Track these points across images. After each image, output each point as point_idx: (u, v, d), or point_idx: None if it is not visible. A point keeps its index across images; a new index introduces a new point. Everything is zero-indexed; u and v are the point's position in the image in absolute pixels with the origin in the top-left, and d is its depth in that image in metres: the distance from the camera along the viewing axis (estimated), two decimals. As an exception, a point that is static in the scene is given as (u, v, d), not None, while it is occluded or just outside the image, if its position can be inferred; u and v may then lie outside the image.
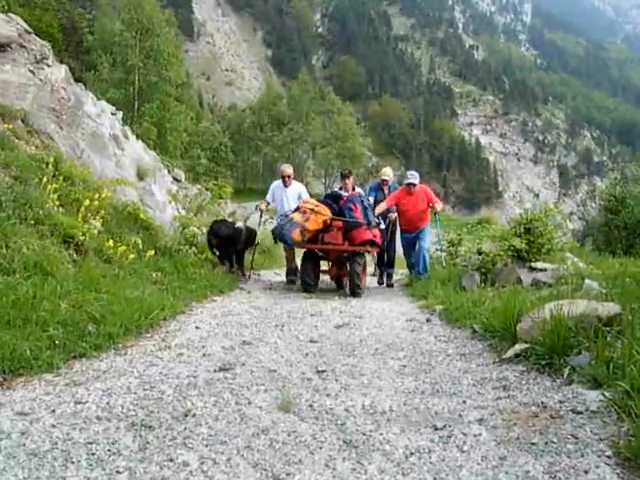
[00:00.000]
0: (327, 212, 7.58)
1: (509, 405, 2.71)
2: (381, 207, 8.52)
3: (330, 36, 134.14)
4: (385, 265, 9.62)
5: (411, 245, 8.98)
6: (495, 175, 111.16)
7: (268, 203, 9.08)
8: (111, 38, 31.87)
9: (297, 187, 9.12)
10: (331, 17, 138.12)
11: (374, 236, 7.65)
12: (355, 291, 7.37)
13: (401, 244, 9.28)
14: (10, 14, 9.01)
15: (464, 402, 2.83)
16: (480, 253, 7.35)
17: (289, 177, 8.99)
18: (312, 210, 7.48)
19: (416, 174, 8.86)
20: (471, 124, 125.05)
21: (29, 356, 3.25)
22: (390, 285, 9.29)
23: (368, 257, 9.38)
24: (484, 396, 2.92)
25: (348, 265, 7.71)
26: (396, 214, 8.99)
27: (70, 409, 2.65)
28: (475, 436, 2.37)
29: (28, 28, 8.73)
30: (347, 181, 8.87)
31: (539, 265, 6.57)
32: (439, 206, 8.80)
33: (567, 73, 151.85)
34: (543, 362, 3.19)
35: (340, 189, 8.93)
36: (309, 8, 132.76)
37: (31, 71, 8.28)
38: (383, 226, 8.79)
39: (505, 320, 3.95)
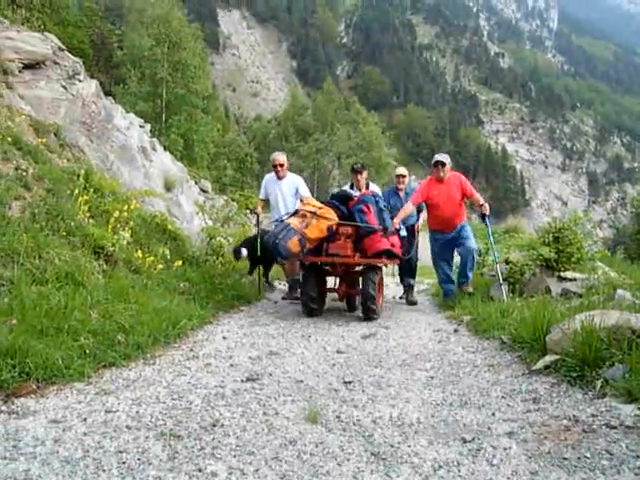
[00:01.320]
0: (333, 216, 6.21)
1: (539, 418, 2.66)
2: (406, 210, 6.91)
3: (354, 46, 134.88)
4: (405, 275, 8.24)
5: (448, 249, 7.21)
6: (522, 183, 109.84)
7: (263, 202, 7.87)
8: (140, 53, 32.54)
9: (293, 179, 7.65)
10: (355, 27, 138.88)
11: (392, 245, 6.24)
12: (369, 315, 6.00)
13: (432, 251, 7.40)
14: (46, 33, 9.31)
15: (493, 414, 2.79)
16: (508, 263, 7.26)
17: (282, 166, 7.49)
18: (314, 214, 6.10)
19: (446, 155, 7.14)
20: (497, 132, 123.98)
21: (61, 365, 3.32)
22: (412, 303, 7.93)
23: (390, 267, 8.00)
24: (513, 408, 2.87)
25: (360, 282, 6.45)
26: (422, 220, 7.89)
27: (101, 418, 2.69)
28: (505, 450, 2.33)
29: (61, 45, 9.00)
30: (359, 177, 7.48)
31: (568, 275, 6.46)
32: (485, 206, 6.93)
33: (596, 79, 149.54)
34: (574, 374, 3.13)
35: (351, 187, 7.63)
36: (333, 19, 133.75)
37: (63, 86, 8.52)
38: (404, 233, 7.35)
39: (534, 331, 3.89)
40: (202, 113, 34.54)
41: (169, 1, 33.16)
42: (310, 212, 6.11)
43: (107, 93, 12.57)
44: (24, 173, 5.83)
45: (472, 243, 6.96)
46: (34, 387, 3.08)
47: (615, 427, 2.43)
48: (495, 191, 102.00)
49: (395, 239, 6.38)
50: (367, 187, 7.52)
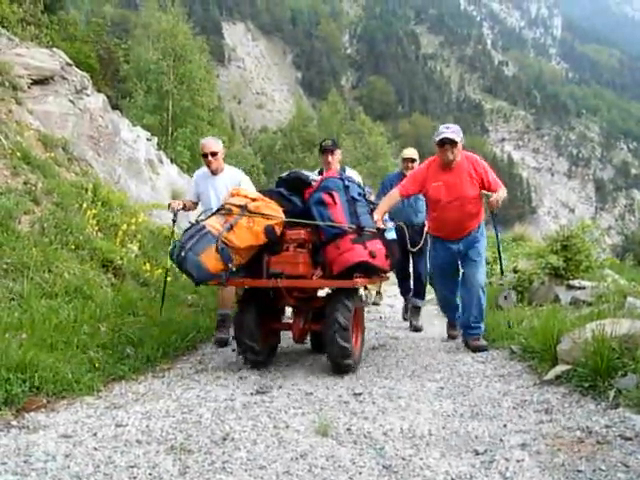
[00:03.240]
0: (276, 211, 4.14)
1: (552, 429, 2.64)
2: (390, 199, 4.79)
3: (359, 57, 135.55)
4: (410, 293, 6.38)
5: (450, 266, 5.02)
6: (528, 191, 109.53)
7: (194, 204, 5.46)
8: (146, 66, 32.80)
9: (233, 175, 5.38)
10: (359, 38, 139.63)
11: (371, 255, 4.02)
12: (339, 362, 3.90)
13: (430, 263, 5.52)
14: (54, 49, 9.43)
15: (505, 426, 2.76)
16: (516, 271, 7.22)
17: (214, 156, 5.22)
18: (243, 208, 4.05)
19: (456, 127, 4.78)
20: (503, 140, 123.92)
21: (71, 379, 3.33)
22: (416, 329, 6.03)
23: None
24: (525, 420, 2.84)
25: (327, 312, 3.98)
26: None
27: (111, 432, 2.69)
28: (518, 462, 2.31)
29: (69, 60, 9.11)
30: (330, 158, 5.37)
31: (577, 283, 6.40)
32: (500, 194, 4.71)
33: (601, 86, 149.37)
34: (586, 384, 3.10)
35: (320, 173, 5.30)
36: (337, 30, 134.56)
37: (71, 101, 8.61)
38: (392, 235, 5.46)
39: (544, 340, 3.86)
40: (208, 125, 34.70)
41: (175, 15, 33.46)
42: (238, 206, 4.07)
43: (114, 107, 12.69)
44: (33, 187, 5.88)
45: (481, 275, 4.89)
46: (44, 401, 3.09)
47: (630, 438, 2.40)
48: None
49: (376, 244, 4.16)
50: (344, 172, 5.37)
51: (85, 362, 3.61)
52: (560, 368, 3.42)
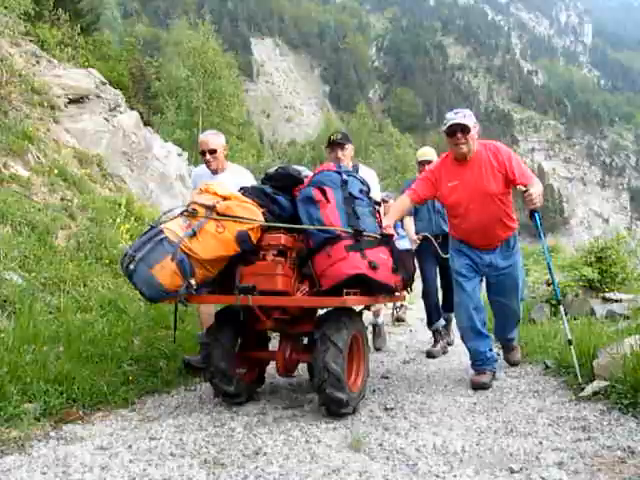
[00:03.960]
0: (253, 213, 3.33)
1: (591, 448, 2.57)
2: (398, 206, 4.11)
3: (386, 69, 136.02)
4: (437, 310, 5.45)
5: (475, 279, 4.09)
6: (560, 201, 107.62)
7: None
8: (177, 83, 33.55)
9: (237, 174, 4.51)
10: (386, 51, 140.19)
11: (371, 266, 3.23)
12: (330, 408, 3.17)
13: (452, 265, 4.22)
14: (89, 69, 9.74)
15: (540, 443, 2.70)
16: (549, 284, 7.09)
17: (213, 154, 4.43)
18: (210, 209, 3.26)
19: (466, 111, 3.95)
20: (533, 150, 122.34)
21: (106, 391, 3.40)
22: (448, 343, 5.63)
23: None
24: (562, 437, 2.77)
25: (314, 351, 3.18)
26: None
27: (145, 445, 2.73)
28: (555, 481, 2.25)
29: (103, 79, 9.40)
30: (339, 154, 4.57)
31: (613, 295, 6.26)
32: (536, 189, 3.76)
33: (634, 92, 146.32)
34: (625, 401, 3.01)
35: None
36: (364, 43, 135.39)
37: (105, 118, 8.85)
38: (406, 244, 4.87)
39: (580, 355, 3.77)
40: (237, 140, 35.21)
41: (204, 33, 34.20)
42: (205, 206, 3.26)
43: (146, 123, 12.99)
44: (69, 203, 6.06)
45: (513, 299, 4.15)
46: (80, 413, 3.16)
47: (673, 458, 2.32)
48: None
49: (379, 254, 3.36)
50: (356, 170, 4.43)
51: (119, 375, 3.67)
52: (597, 384, 3.34)
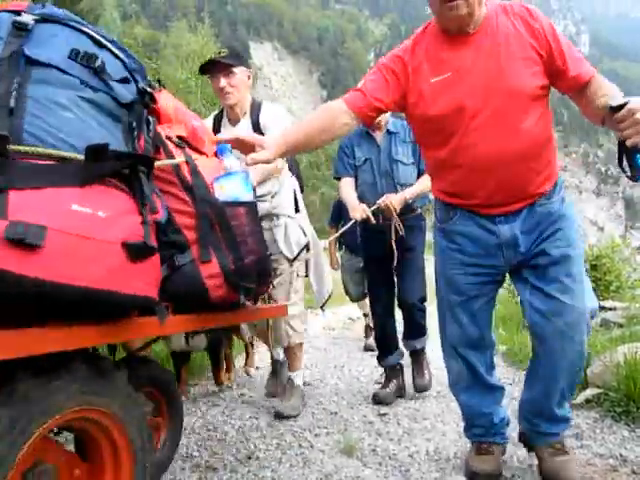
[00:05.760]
0: None
1: (583, 456, 2.57)
2: (308, 126, 2.05)
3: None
4: (391, 339, 3.75)
5: (485, 275, 2.17)
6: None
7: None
8: (175, 85, 33.58)
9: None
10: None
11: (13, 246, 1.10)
12: None
13: (438, 267, 2.31)
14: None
15: (534, 450, 2.70)
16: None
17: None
18: None
19: None
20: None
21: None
22: (423, 389, 3.77)
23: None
24: (555, 445, 2.77)
25: None
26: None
27: (138, 448, 2.71)
28: (548, 488, 2.25)
29: (101, 81, 9.34)
30: (223, 82, 3.10)
31: (608, 304, 6.28)
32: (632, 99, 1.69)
33: (632, 97, 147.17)
34: (618, 409, 3.02)
35: (217, 116, 3.38)
36: (363, 49, 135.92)
37: (103, 120, 8.81)
38: (241, 192, 1.91)
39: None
40: (234, 143, 35.28)
41: (203, 36, 34.26)
42: None
43: (144, 125, 13.01)
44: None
45: (579, 327, 2.07)
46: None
47: (665, 467, 2.32)
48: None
49: (74, 202, 1.26)
50: None
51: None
52: (590, 392, 3.35)
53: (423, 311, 3.67)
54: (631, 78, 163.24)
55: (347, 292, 5.86)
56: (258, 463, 2.55)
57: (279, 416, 3.21)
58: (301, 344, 3.43)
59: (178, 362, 3.61)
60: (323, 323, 8.35)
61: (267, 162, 1.90)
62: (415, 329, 3.71)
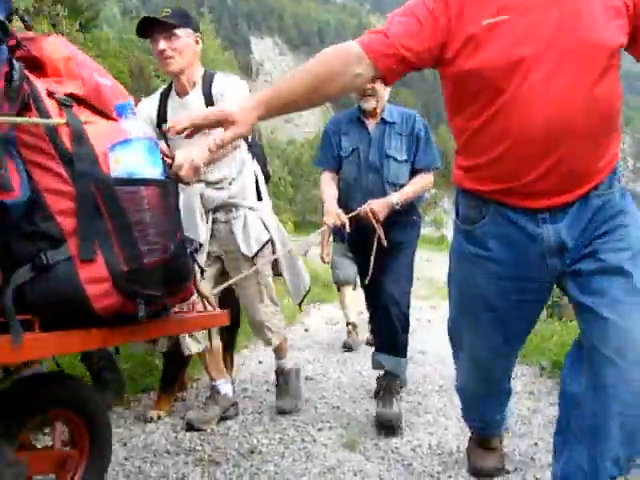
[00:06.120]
0: None
1: None
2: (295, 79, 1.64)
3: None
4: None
5: (516, 294, 1.74)
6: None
7: None
8: (175, 80, 33.65)
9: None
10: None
11: None
12: None
13: (452, 284, 2.01)
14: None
15: (536, 444, 2.71)
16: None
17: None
18: None
19: None
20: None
21: (102, 389, 3.35)
22: (387, 420, 2.83)
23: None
24: (557, 438, 2.78)
25: None
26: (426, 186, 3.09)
27: (141, 443, 2.73)
28: (550, 481, 2.26)
29: (102, 76, 9.33)
30: (163, 44, 2.60)
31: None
32: None
33: (633, 95, 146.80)
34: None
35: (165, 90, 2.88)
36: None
37: (104, 116, 8.79)
38: (150, 169, 1.43)
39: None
40: (236, 138, 35.22)
41: (204, 31, 34.20)
42: None
43: (145, 121, 12.99)
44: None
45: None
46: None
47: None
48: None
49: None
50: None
51: (115, 372, 3.66)
52: None
53: (404, 317, 2.96)
54: (633, 70, 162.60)
55: (335, 278, 5.69)
56: (261, 457, 2.56)
57: (281, 411, 3.18)
58: (285, 339, 3.32)
59: (170, 363, 3.37)
60: (325, 317, 8.35)
61: (239, 137, 1.51)
62: (387, 338, 2.98)
